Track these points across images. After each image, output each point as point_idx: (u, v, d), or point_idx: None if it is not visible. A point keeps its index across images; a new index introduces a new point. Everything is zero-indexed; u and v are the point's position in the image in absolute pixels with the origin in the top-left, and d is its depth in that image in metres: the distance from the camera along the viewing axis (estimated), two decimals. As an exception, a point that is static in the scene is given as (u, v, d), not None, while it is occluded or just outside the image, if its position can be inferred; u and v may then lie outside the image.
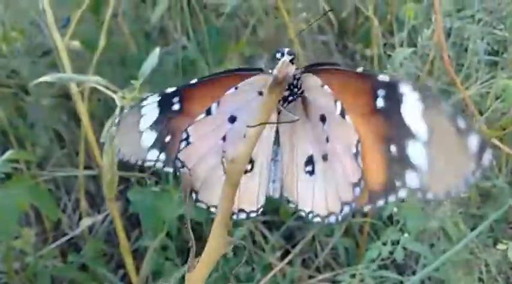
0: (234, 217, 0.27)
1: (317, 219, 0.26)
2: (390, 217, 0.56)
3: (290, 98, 0.25)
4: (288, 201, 0.27)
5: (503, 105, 0.50)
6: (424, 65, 0.52)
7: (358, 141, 0.24)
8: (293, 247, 0.64)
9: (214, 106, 0.26)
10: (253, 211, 0.27)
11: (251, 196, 0.27)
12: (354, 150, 0.24)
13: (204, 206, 0.27)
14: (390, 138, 0.23)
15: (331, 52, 0.68)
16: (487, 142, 0.21)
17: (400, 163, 0.23)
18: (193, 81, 0.27)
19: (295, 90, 0.25)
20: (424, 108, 0.22)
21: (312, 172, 0.26)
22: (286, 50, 0.25)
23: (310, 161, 0.26)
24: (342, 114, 0.24)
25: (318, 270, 0.64)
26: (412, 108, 0.22)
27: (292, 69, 0.20)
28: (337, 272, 0.59)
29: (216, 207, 0.27)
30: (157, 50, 0.33)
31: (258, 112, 0.21)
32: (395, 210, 0.54)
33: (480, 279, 0.56)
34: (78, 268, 0.59)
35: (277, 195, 0.27)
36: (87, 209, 0.64)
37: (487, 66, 0.59)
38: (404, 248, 0.53)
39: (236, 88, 0.26)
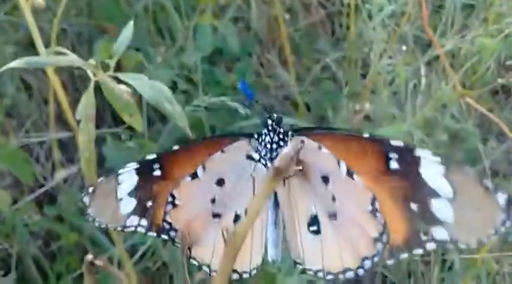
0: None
1: (330, 276, 0.26)
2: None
3: None
4: (295, 263, 0.27)
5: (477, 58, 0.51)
6: (402, 16, 0.52)
7: (374, 198, 0.24)
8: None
9: (200, 169, 0.26)
10: (245, 272, 0.27)
11: (243, 258, 0.27)
12: (370, 208, 0.24)
13: (196, 263, 0.27)
14: (409, 196, 0.23)
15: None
16: None
17: (424, 218, 0.23)
18: (175, 147, 0.27)
19: (281, 146, 0.25)
20: (445, 170, 0.23)
21: (317, 232, 0.26)
22: (276, 116, 0.25)
23: (314, 221, 0.26)
24: (349, 174, 0.24)
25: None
26: (433, 170, 0.23)
27: (294, 158, 0.20)
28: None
29: (206, 265, 0.27)
30: (131, 23, 0.32)
31: (258, 194, 0.21)
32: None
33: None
34: (54, 218, 0.59)
35: (278, 259, 0.27)
36: (61, 158, 0.64)
37: (464, 11, 0.58)
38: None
39: (223, 151, 0.26)
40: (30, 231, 0.57)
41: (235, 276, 0.27)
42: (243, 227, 0.20)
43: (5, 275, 0.55)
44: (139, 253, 0.55)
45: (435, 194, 0.23)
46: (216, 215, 0.27)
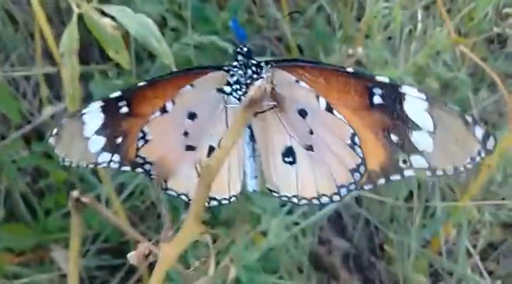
0: (206, 204, 0.27)
1: (303, 201, 0.27)
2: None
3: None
4: (271, 191, 0.27)
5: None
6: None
7: (354, 133, 0.24)
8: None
9: (169, 104, 0.26)
10: (224, 199, 0.28)
11: (221, 185, 0.27)
12: (349, 142, 0.24)
13: (173, 194, 0.27)
14: (391, 128, 0.24)
15: None
16: (490, 132, 0.24)
17: (404, 148, 0.24)
18: (141, 83, 0.26)
19: (255, 79, 0.25)
20: (429, 105, 0.24)
21: (292, 162, 0.26)
22: (245, 48, 0.25)
23: (289, 152, 0.26)
24: (329, 109, 0.24)
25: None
26: (416, 105, 0.24)
27: (268, 87, 0.19)
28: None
29: (184, 194, 0.27)
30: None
31: (231, 127, 0.20)
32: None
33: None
34: (42, 155, 0.59)
35: (258, 189, 0.27)
36: (48, 94, 0.63)
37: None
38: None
39: (192, 85, 0.25)
40: (18, 168, 0.57)
41: (215, 203, 0.28)
42: (216, 161, 0.20)
43: (-7, 210, 0.55)
44: (128, 191, 0.55)
45: (417, 127, 0.24)
46: (190, 148, 0.27)
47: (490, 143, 0.24)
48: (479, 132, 0.24)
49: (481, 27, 0.53)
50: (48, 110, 0.57)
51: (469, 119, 0.24)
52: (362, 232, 0.69)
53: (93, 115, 0.26)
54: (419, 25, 0.53)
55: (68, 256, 0.57)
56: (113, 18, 0.29)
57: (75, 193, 0.34)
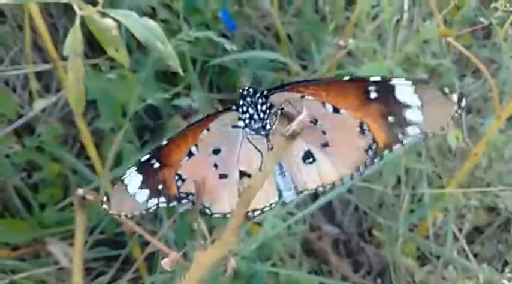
0: (250, 214, 0.32)
1: (328, 187, 0.31)
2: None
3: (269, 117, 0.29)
4: (301, 192, 0.32)
5: None
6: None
7: (361, 122, 0.29)
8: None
9: (194, 148, 0.30)
10: (266, 207, 0.32)
11: (260, 198, 0.30)
12: (358, 129, 0.29)
13: (219, 216, 0.32)
14: (388, 113, 0.29)
15: None
16: (463, 95, 0.29)
17: (400, 124, 0.29)
18: (164, 142, 0.30)
19: (266, 110, 0.29)
20: (414, 88, 0.29)
21: (312, 161, 0.31)
22: (251, 89, 0.29)
23: (308, 154, 0.31)
24: (335, 111, 0.29)
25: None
26: (405, 90, 0.29)
27: (308, 121, 0.22)
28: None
29: (228, 214, 0.32)
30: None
31: (272, 154, 0.23)
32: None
33: (419, 154, 0.62)
34: (34, 149, 0.59)
35: (295, 197, 0.32)
36: (38, 87, 0.62)
37: None
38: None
39: (208, 129, 0.30)
40: (11, 162, 0.57)
41: (257, 213, 0.32)
42: (257, 182, 0.23)
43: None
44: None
45: (408, 106, 0.29)
46: (223, 176, 0.31)
47: (463, 103, 0.29)
48: (454, 97, 0.29)
49: (467, 16, 0.54)
50: (38, 104, 0.57)
51: (447, 90, 0.29)
52: (351, 217, 0.70)
53: (132, 177, 0.31)
54: (406, 15, 0.54)
55: (65, 249, 0.57)
56: (116, 20, 0.29)
57: (80, 192, 0.35)
